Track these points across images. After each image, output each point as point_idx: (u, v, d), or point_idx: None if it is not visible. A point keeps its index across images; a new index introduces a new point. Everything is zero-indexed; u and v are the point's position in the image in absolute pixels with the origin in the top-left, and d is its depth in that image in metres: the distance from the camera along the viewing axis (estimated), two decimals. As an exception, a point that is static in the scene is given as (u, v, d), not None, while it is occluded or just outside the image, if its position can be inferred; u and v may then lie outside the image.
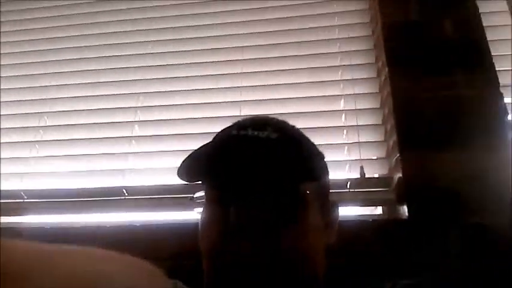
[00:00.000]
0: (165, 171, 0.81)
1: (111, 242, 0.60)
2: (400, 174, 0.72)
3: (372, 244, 0.67)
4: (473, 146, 0.70)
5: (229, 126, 0.45)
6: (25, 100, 0.95)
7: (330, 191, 0.50)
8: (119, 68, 0.96)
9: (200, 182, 0.46)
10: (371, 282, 0.47)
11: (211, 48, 0.95)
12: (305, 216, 0.41)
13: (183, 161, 0.43)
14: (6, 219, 0.81)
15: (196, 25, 0.98)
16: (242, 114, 0.84)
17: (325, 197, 0.47)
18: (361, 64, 0.88)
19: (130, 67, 0.95)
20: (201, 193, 0.45)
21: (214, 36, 0.96)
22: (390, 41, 0.82)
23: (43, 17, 1.08)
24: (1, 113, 0.93)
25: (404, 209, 0.70)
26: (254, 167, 0.39)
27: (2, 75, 1.00)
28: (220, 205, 0.41)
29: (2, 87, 0.97)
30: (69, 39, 1.02)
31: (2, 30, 1.06)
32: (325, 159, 0.49)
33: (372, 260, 0.65)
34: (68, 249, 0.17)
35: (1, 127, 0.91)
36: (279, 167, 0.40)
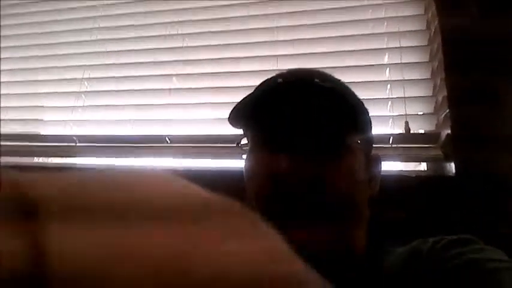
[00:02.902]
0: (203, 122, 0.83)
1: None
2: (448, 131, 0.68)
3: (415, 199, 0.65)
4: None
5: (273, 77, 0.44)
6: (71, 54, 0.99)
7: (373, 145, 0.48)
8: (161, 23, 0.96)
9: (243, 131, 0.46)
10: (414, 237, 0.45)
11: (249, 2, 0.92)
12: (351, 162, 0.40)
13: (234, 108, 0.43)
14: (59, 160, 0.88)
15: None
16: (279, 68, 0.82)
17: (368, 151, 0.46)
18: (408, 16, 0.82)
19: (172, 22, 0.95)
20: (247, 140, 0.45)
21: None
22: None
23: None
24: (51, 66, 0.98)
25: (451, 166, 0.67)
26: (303, 111, 0.39)
27: (42, 31, 1.03)
28: (267, 148, 0.40)
29: (45, 42, 1.02)
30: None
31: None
32: (369, 114, 0.48)
33: (415, 215, 0.64)
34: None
35: (49, 78, 0.96)
36: (328, 115, 0.39)
